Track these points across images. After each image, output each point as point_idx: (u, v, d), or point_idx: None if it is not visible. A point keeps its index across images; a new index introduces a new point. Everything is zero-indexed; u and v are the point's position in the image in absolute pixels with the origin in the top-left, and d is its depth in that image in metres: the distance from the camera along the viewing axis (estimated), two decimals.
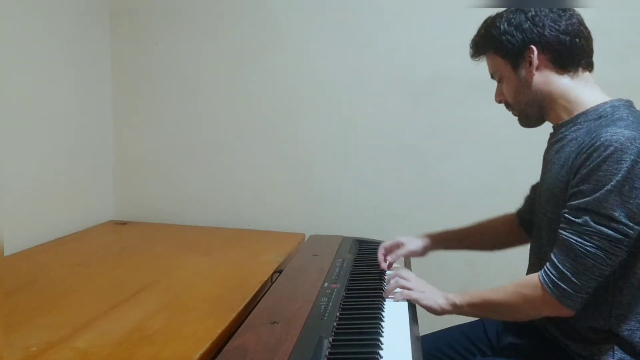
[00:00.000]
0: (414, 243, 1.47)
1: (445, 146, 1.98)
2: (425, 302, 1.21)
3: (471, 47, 1.24)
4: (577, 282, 1.00)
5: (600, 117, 1.07)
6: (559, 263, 1.02)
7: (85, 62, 2.02)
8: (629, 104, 1.09)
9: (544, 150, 1.23)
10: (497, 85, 1.22)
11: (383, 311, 1.19)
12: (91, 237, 1.91)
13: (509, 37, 1.13)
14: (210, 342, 1.02)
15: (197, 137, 2.15)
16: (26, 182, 1.73)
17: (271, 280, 1.43)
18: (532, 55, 1.12)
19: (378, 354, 0.98)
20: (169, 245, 1.81)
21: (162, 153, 2.18)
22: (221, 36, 2.09)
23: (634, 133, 0.99)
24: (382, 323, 1.12)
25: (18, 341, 1.03)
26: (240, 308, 1.19)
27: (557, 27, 1.11)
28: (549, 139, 1.20)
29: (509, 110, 1.23)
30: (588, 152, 1.01)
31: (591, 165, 1.00)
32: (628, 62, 1.86)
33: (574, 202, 1.02)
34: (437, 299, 1.20)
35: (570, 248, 1.01)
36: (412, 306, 1.24)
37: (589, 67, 1.15)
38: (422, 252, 1.47)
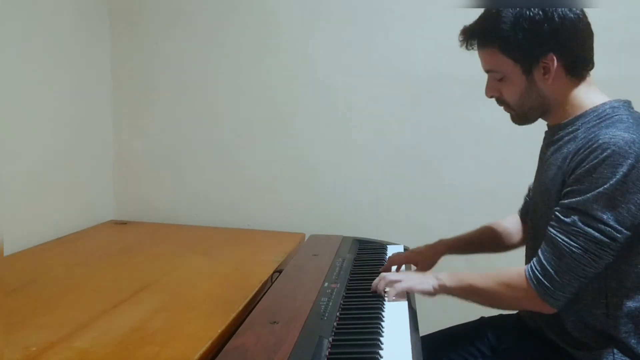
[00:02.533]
0: (427, 262, 1.41)
1: (445, 146, 1.98)
2: (420, 287, 1.19)
3: (466, 36, 1.14)
4: (559, 280, 1.00)
5: (599, 119, 1.06)
6: (545, 260, 1.02)
7: (85, 62, 2.02)
8: (628, 105, 1.08)
9: (541, 148, 1.22)
10: (492, 80, 1.15)
11: (383, 311, 1.19)
12: (91, 237, 1.91)
13: (526, 41, 1.06)
14: (210, 341, 1.02)
15: (197, 137, 2.15)
16: (26, 182, 1.73)
17: (271, 280, 1.43)
18: (550, 64, 1.07)
19: (378, 354, 0.98)
20: (169, 245, 1.81)
21: (162, 153, 2.18)
22: (221, 36, 2.09)
23: (633, 136, 0.98)
24: (382, 323, 1.12)
25: (18, 341, 1.03)
26: (240, 308, 1.19)
27: (575, 30, 1.06)
28: (545, 139, 1.19)
29: (501, 106, 1.18)
30: (585, 152, 1.00)
31: (587, 167, 0.99)
32: (628, 62, 1.86)
33: (566, 201, 1.02)
34: (429, 280, 1.18)
35: (557, 246, 1.01)
36: (412, 306, 1.24)
37: (592, 66, 1.13)
38: (430, 266, 1.42)
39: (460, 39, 1.15)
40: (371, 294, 1.29)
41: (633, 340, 1.04)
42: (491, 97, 1.18)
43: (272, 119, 2.09)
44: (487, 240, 1.41)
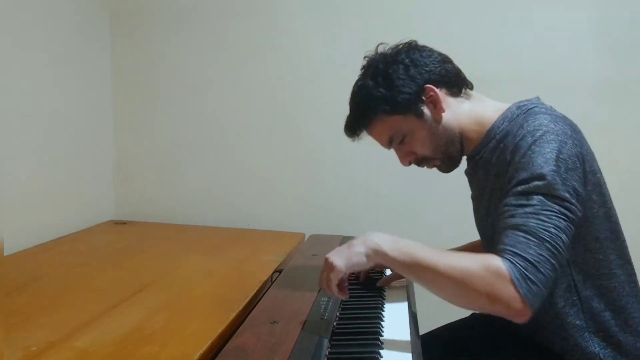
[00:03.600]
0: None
1: None
2: (350, 262, 1.00)
3: (351, 127, 1.17)
4: (544, 272, 0.88)
5: (511, 120, 1.07)
6: (522, 251, 0.89)
7: (85, 62, 2.02)
8: (532, 102, 1.09)
9: (469, 179, 1.22)
10: (398, 148, 1.17)
11: (383, 311, 1.19)
12: (91, 236, 1.91)
13: (400, 89, 1.09)
14: (210, 341, 1.02)
15: (197, 137, 2.15)
16: (26, 181, 1.73)
17: (271, 280, 1.43)
18: (432, 94, 1.10)
19: (378, 353, 0.98)
20: (169, 245, 1.81)
21: (162, 153, 2.18)
22: (221, 36, 2.09)
23: (553, 116, 1.01)
24: (382, 323, 1.13)
25: (18, 341, 1.02)
26: (240, 308, 1.19)
27: (436, 60, 1.12)
28: (469, 169, 1.19)
29: (423, 166, 1.18)
30: (514, 143, 1.01)
31: (522, 151, 0.98)
32: (628, 62, 1.86)
33: (521, 187, 0.95)
34: (358, 248, 1.00)
35: (530, 232, 0.90)
36: (412, 306, 1.24)
37: (471, 85, 1.17)
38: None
39: (349, 134, 1.18)
40: (371, 294, 1.29)
41: (615, 328, 1.04)
42: (409, 164, 1.18)
43: (272, 118, 2.09)
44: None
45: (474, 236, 2.08)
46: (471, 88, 1.17)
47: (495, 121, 1.10)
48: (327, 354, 0.98)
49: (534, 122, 1.01)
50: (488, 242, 1.15)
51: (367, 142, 2.03)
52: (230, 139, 2.12)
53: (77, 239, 1.85)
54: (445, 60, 1.14)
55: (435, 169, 1.21)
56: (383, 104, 1.11)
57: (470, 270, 0.90)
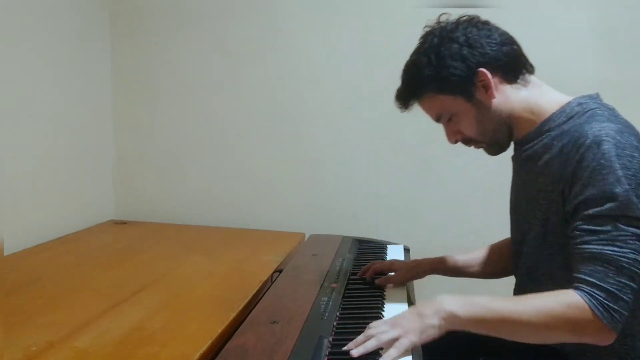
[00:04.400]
0: (407, 273, 1.35)
1: (446, 146, 1.96)
2: (424, 336, 0.96)
3: (400, 100, 1.14)
4: (625, 298, 0.88)
5: (570, 118, 1.02)
6: (601, 281, 0.89)
7: (85, 62, 2.02)
8: (593, 99, 1.05)
9: (513, 165, 1.19)
10: (447, 126, 1.14)
11: (383, 311, 1.19)
12: (91, 236, 1.91)
13: (451, 70, 1.05)
14: (210, 341, 1.02)
15: (197, 137, 2.15)
16: (26, 181, 1.73)
17: (271, 280, 1.43)
18: (485, 79, 1.05)
19: (378, 353, 0.98)
20: (169, 245, 1.81)
21: (162, 153, 2.18)
22: (221, 36, 2.09)
23: (619, 125, 0.96)
24: None
25: (18, 341, 1.02)
26: (240, 307, 1.19)
27: (494, 42, 1.06)
28: (517, 155, 1.15)
29: (470, 146, 1.16)
30: (580, 152, 0.95)
31: (591, 167, 0.93)
32: (628, 62, 1.86)
33: (592, 211, 0.92)
34: (431, 320, 0.96)
35: (607, 261, 0.90)
36: (411, 304, 1.23)
37: (533, 69, 1.11)
38: (413, 279, 1.38)
39: (398, 105, 1.15)
40: (371, 294, 1.29)
41: (638, 344, 1.01)
42: (455, 142, 1.16)
43: (272, 118, 2.09)
44: (477, 264, 1.35)
45: (474, 236, 2.09)
46: (531, 73, 1.11)
47: (552, 114, 1.05)
48: (327, 353, 0.98)
49: (599, 130, 0.95)
50: (518, 237, 1.14)
51: (367, 142, 2.05)
52: (230, 139, 2.12)
53: (77, 239, 1.85)
54: (504, 42, 1.08)
55: (482, 150, 1.18)
56: (432, 82, 1.08)
57: (552, 312, 0.91)
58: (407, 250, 1.68)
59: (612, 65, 1.87)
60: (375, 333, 0.97)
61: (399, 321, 0.99)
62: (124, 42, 2.15)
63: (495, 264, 1.34)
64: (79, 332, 1.07)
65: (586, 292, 0.89)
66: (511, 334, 0.95)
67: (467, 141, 1.15)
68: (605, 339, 0.90)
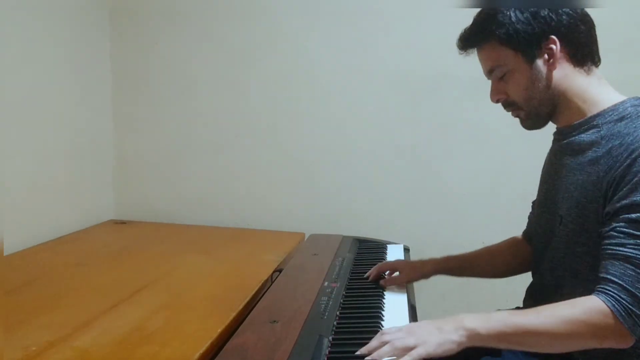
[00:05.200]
0: (412, 272, 1.35)
1: (446, 146, 1.98)
2: (442, 349, 0.94)
3: (464, 38, 1.10)
4: None
5: (622, 118, 0.99)
6: (630, 285, 0.88)
7: (85, 62, 2.02)
8: None
9: (550, 152, 1.17)
10: (495, 82, 1.11)
11: (383, 310, 1.19)
12: (91, 236, 1.91)
13: (525, 26, 1.02)
14: (210, 341, 1.02)
15: (197, 137, 2.15)
16: (26, 181, 1.73)
17: (271, 280, 1.43)
18: (553, 47, 1.02)
19: None
20: (169, 245, 1.81)
21: (162, 153, 2.18)
22: (221, 36, 2.09)
23: None
24: (382, 322, 1.12)
25: (18, 341, 1.03)
26: (240, 307, 1.19)
27: (575, 16, 1.03)
28: (557, 141, 1.12)
29: (509, 111, 1.13)
30: (632, 157, 0.93)
31: (638, 169, 0.92)
32: (628, 62, 1.86)
33: (634, 216, 0.91)
34: (451, 336, 0.94)
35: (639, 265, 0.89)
36: (412, 304, 1.24)
37: (599, 62, 1.08)
38: (419, 279, 1.36)
39: (459, 44, 1.12)
40: (371, 293, 1.29)
41: None
42: (497, 101, 1.12)
43: (271, 118, 2.09)
44: (482, 263, 1.33)
45: (474, 236, 2.07)
46: (597, 65, 1.08)
47: (604, 110, 1.02)
48: (327, 353, 0.98)
49: None
50: (546, 229, 1.11)
51: (366, 142, 2.05)
52: (230, 139, 2.12)
53: (77, 239, 1.85)
54: (585, 21, 1.05)
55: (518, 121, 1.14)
56: (502, 30, 1.04)
57: (574, 320, 0.90)
58: (407, 250, 1.69)
59: (612, 65, 1.87)
60: (390, 339, 0.95)
61: (415, 330, 0.97)
62: (124, 42, 2.15)
63: (502, 263, 1.33)
64: (79, 332, 1.07)
65: (612, 295, 0.89)
66: (534, 346, 0.94)
67: (509, 105, 1.12)
68: (625, 343, 0.90)
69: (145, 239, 1.91)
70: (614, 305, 0.88)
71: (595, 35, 1.08)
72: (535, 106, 1.08)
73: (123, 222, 2.11)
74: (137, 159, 2.20)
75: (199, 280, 1.43)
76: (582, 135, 1.04)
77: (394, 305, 1.23)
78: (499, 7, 1.06)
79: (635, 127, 0.97)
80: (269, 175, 2.11)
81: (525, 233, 1.31)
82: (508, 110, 1.13)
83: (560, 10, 1.03)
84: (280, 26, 2.05)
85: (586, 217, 1.00)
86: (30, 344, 1.01)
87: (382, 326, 1.10)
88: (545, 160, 1.21)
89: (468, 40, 1.11)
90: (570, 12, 1.03)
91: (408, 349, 0.93)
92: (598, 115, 1.03)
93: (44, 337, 1.04)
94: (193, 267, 1.55)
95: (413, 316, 1.18)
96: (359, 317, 1.15)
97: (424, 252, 1.91)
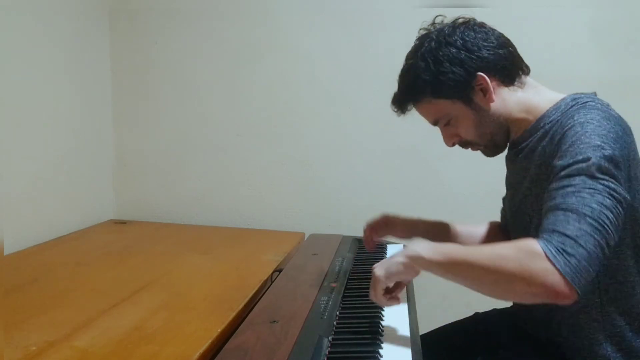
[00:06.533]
0: (401, 225, 1.36)
1: (445, 146, 1.98)
2: (389, 271, 1.01)
3: (397, 104, 1.14)
4: (584, 246, 0.84)
5: (564, 112, 1.02)
6: (560, 227, 0.86)
7: (85, 62, 2.02)
8: (588, 96, 1.05)
9: (507, 161, 1.20)
10: (444, 129, 1.14)
11: (383, 310, 1.19)
12: (91, 236, 1.91)
13: (449, 75, 1.05)
14: (210, 341, 1.02)
15: (197, 137, 2.15)
16: (26, 181, 1.73)
17: (271, 279, 1.43)
18: (483, 83, 1.06)
19: (378, 352, 0.98)
20: (169, 245, 1.81)
21: (162, 153, 2.18)
22: (221, 36, 2.09)
23: (607, 115, 0.96)
24: (382, 322, 1.12)
25: (18, 340, 1.02)
26: (240, 307, 1.19)
27: (491, 45, 1.06)
28: (510, 155, 1.16)
29: (467, 148, 1.16)
30: (562, 132, 0.97)
31: (569, 140, 0.95)
32: (629, 61, 1.86)
33: (562, 173, 0.92)
34: (397, 258, 1.01)
35: (570, 209, 0.87)
36: (412, 305, 1.24)
37: (528, 70, 1.12)
38: (408, 237, 1.35)
39: (395, 109, 1.16)
40: None
41: (629, 334, 1.03)
42: (452, 144, 1.16)
43: (271, 118, 2.09)
44: (478, 236, 1.36)
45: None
46: (527, 74, 1.12)
47: (547, 111, 1.06)
48: (327, 353, 0.98)
49: (586, 115, 0.96)
50: (521, 231, 1.11)
51: (366, 142, 2.05)
52: (230, 139, 2.13)
53: (77, 238, 1.85)
54: (501, 45, 1.08)
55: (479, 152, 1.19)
56: (430, 87, 1.08)
57: (503, 254, 0.89)
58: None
59: (610, 64, 1.87)
60: (374, 283, 1.04)
61: (376, 264, 1.05)
62: (123, 42, 2.15)
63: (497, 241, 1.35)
64: (79, 331, 1.07)
65: (544, 238, 0.87)
66: (469, 280, 0.95)
67: (465, 144, 1.16)
68: (559, 292, 0.84)
69: (145, 239, 1.91)
70: (546, 246, 0.85)
71: (515, 50, 1.10)
72: (490, 138, 1.12)
73: (123, 222, 2.11)
74: (137, 159, 2.20)
75: (198, 280, 1.43)
76: (532, 137, 1.07)
77: (394, 306, 1.22)
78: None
79: (570, 113, 1.00)
80: (269, 175, 2.12)
81: (500, 227, 1.34)
82: (467, 148, 1.17)
83: (477, 46, 1.05)
84: (280, 26, 2.05)
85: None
86: (30, 343, 1.01)
87: (382, 326, 1.11)
88: (506, 174, 1.25)
89: (403, 104, 1.14)
90: (486, 43, 1.06)
91: (373, 282, 1.04)
92: (542, 117, 1.06)
93: (44, 337, 1.04)
94: (193, 267, 1.55)
95: (413, 316, 1.18)
96: (359, 317, 1.15)
97: None
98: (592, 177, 0.89)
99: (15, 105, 1.68)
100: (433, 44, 1.08)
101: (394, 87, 2.11)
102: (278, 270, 1.48)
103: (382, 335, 1.06)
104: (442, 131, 1.16)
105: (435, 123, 1.15)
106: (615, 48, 1.85)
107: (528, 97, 1.09)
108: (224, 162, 2.14)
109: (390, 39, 1.98)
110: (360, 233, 1.87)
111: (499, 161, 2.12)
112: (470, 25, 1.10)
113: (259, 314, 1.14)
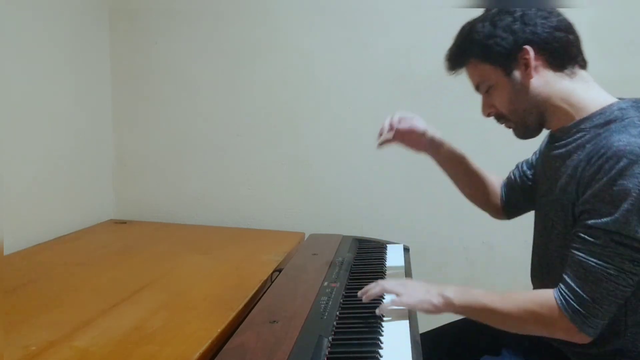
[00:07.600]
0: (427, 137, 1.40)
1: None
2: (420, 306, 1.09)
3: (448, 60, 1.15)
4: (600, 308, 0.94)
5: (608, 122, 0.99)
6: (578, 287, 0.95)
7: (85, 62, 2.02)
8: (637, 105, 1.02)
9: (541, 154, 1.19)
10: (484, 97, 1.14)
11: None
12: (91, 236, 1.91)
13: (498, 40, 1.05)
14: (210, 341, 1.03)
15: (197, 137, 2.15)
16: (26, 181, 1.73)
17: (271, 279, 1.43)
18: (527, 57, 1.04)
19: (378, 353, 0.98)
20: (169, 245, 1.81)
21: (162, 153, 2.18)
22: (221, 36, 2.09)
23: None
24: (381, 322, 1.12)
25: (18, 340, 1.03)
26: (240, 307, 1.19)
27: (549, 24, 1.05)
28: (548, 145, 1.14)
29: (501, 123, 1.16)
30: (599, 163, 0.94)
31: (604, 179, 0.93)
32: (628, 61, 1.86)
33: (591, 222, 0.94)
34: (432, 298, 1.08)
35: (589, 271, 0.94)
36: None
37: (584, 64, 1.10)
38: (424, 150, 1.43)
39: (447, 66, 1.16)
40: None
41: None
42: (488, 115, 1.16)
43: (271, 118, 2.09)
44: (472, 181, 1.42)
45: (474, 236, 2.09)
46: (583, 67, 1.09)
47: (592, 113, 1.03)
48: (327, 353, 0.98)
49: (625, 146, 0.92)
50: (541, 231, 1.15)
51: (366, 141, 2.04)
52: (230, 139, 2.13)
53: (77, 238, 1.85)
54: (561, 28, 1.05)
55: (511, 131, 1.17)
56: (478, 49, 1.08)
57: (526, 308, 1.00)
58: (406, 250, 1.68)
59: (610, 64, 1.87)
60: (382, 283, 1.16)
61: (407, 283, 1.16)
62: (123, 42, 2.15)
63: (480, 193, 1.42)
64: (79, 331, 1.07)
65: (562, 293, 0.97)
66: (492, 323, 1.05)
67: (499, 117, 1.15)
68: (580, 339, 0.97)
69: (145, 238, 1.91)
70: (561, 302, 0.96)
71: (578, 38, 1.09)
72: (522, 116, 1.10)
73: (123, 222, 2.11)
74: (137, 158, 2.20)
75: (198, 280, 1.43)
76: (570, 139, 1.05)
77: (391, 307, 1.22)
78: (504, 7, 1.08)
79: (614, 130, 0.97)
80: (269, 175, 2.11)
81: (504, 185, 1.40)
82: (501, 123, 1.16)
83: (533, 22, 1.05)
84: (280, 26, 2.05)
85: (568, 221, 1.03)
86: (30, 343, 1.01)
87: (382, 326, 1.11)
88: (538, 161, 1.25)
89: (452, 62, 1.16)
90: (544, 21, 1.05)
91: (394, 294, 1.12)
92: (585, 119, 1.04)
93: (44, 336, 1.04)
94: (193, 267, 1.55)
95: (413, 316, 1.18)
96: (358, 317, 1.15)
97: (424, 252, 1.92)
98: (617, 235, 0.92)
99: (15, 105, 1.68)
100: (495, 10, 1.09)
101: (394, 87, 2.13)
102: (278, 270, 1.48)
103: (382, 335, 1.06)
104: (482, 99, 1.16)
105: (477, 87, 1.15)
106: (615, 48, 1.85)
107: (575, 89, 1.06)
108: (224, 162, 2.14)
109: (391, 39, 1.98)
110: (360, 233, 1.88)
111: (501, 163, 2.12)
112: (537, 0, 1.09)
113: (259, 314, 1.14)
